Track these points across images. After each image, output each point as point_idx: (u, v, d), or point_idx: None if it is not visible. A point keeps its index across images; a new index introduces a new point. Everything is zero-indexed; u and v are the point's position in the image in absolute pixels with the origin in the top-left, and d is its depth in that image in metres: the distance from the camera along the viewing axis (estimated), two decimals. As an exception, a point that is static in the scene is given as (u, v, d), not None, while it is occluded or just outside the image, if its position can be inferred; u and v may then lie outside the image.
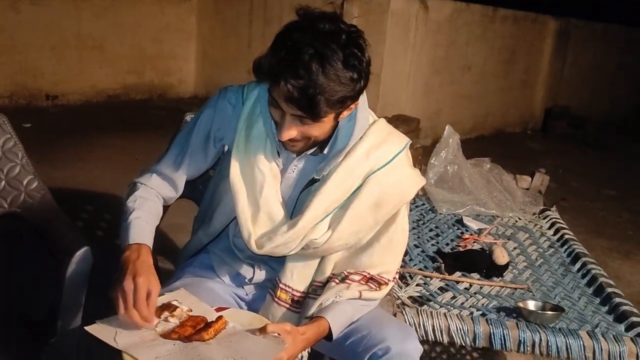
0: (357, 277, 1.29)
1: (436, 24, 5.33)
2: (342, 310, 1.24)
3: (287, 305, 1.32)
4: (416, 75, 5.32)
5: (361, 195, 1.26)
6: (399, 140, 1.32)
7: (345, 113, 1.20)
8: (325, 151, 1.27)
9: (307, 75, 1.06)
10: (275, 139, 1.26)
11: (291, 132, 1.16)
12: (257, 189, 1.25)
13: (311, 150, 1.27)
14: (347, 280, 1.28)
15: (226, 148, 1.34)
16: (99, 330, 1.10)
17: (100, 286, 1.51)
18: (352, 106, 1.20)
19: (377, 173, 1.27)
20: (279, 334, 1.12)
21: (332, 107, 1.12)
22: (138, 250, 1.18)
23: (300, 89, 1.06)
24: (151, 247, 1.22)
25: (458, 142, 2.51)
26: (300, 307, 1.32)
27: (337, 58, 1.07)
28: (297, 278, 1.32)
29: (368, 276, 1.30)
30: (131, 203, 1.28)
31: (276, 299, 1.32)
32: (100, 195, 3.45)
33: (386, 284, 1.32)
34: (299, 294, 1.32)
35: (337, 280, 1.29)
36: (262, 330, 1.12)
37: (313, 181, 1.28)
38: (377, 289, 1.30)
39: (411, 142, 1.35)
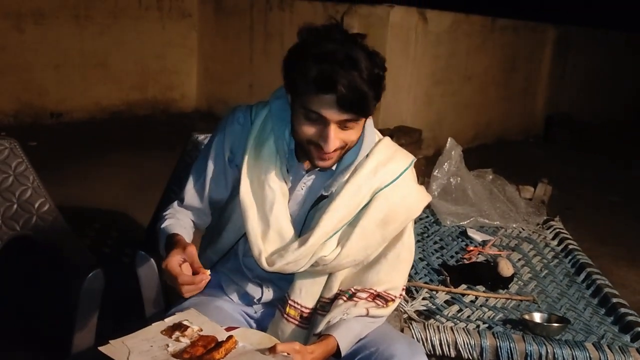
0: (364, 295, 1.31)
1: (436, 36, 5.37)
2: (350, 328, 1.26)
3: (296, 322, 1.33)
4: (417, 87, 5.36)
5: (369, 212, 1.29)
6: (405, 158, 1.35)
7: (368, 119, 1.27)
8: (334, 167, 1.30)
9: (351, 76, 1.12)
10: (285, 156, 1.29)
11: (337, 142, 1.19)
12: (268, 206, 1.28)
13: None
14: (355, 298, 1.30)
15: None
16: (113, 350, 1.12)
17: (110, 305, 1.54)
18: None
19: (384, 190, 1.29)
20: (288, 354, 1.13)
21: (375, 99, 1.18)
22: (166, 243, 1.27)
23: (353, 89, 1.12)
24: (179, 232, 1.30)
25: (460, 154, 2.53)
26: (308, 323, 1.33)
27: (363, 57, 1.14)
28: (305, 295, 1.33)
29: (375, 293, 1.32)
30: (160, 223, 1.36)
31: (285, 315, 1.33)
32: (107, 212, 3.48)
33: (393, 300, 1.33)
34: (307, 311, 1.33)
35: (344, 298, 1.30)
36: (272, 349, 1.13)
37: (321, 198, 1.30)
38: (384, 305, 1.31)
39: (416, 159, 1.37)
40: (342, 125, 1.18)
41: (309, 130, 1.19)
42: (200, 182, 1.38)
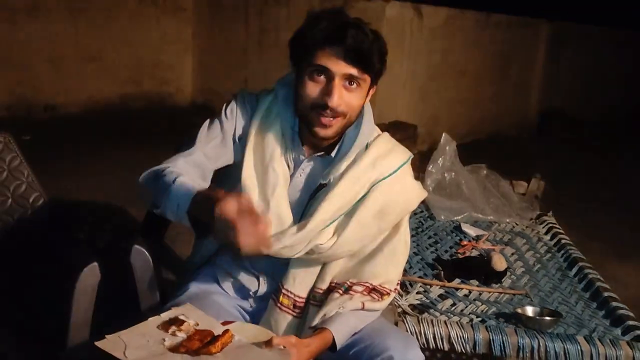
0: (360, 288, 1.33)
1: (431, 31, 5.38)
2: (345, 322, 1.28)
3: (289, 311, 1.35)
4: (412, 82, 5.37)
5: (366, 203, 1.31)
6: (403, 153, 1.38)
7: (370, 93, 1.30)
8: (333, 154, 1.32)
9: (359, 34, 1.20)
10: (290, 139, 1.31)
11: (340, 99, 1.22)
12: (270, 189, 1.29)
13: (320, 153, 1.32)
14: (351, 291, 1.32)
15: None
16: (109, 345, 1.12)
17: (106, 299, 1.54)
18: (371, 92, 1.30)
19: (382, 182, 1.32)
20: (284, 347, 1.15)
21: (378, 62, 1.24)
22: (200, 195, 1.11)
23: (360, 43, 1.19)
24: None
25: (455, 149, 2.55)
26: (301, 312, 1.35)
27: (369, 30, 1.23)
28: (299, 284, 1.35)
29: (371, 287, 1.34)
30: (166, 176, 1.18)
31: (279, 304, 1.35)
32: (102, 206, 3.45)
33: (388, 294, 1.35)
34: (300, 300, 1.35)
35: (340, 291, 1.32)
36: (268, 343, 1.15)
37: (320, 187, 1.32)
38: (380, 299, 1.33)
39: (413, 156, 1.39)
40: (346, 82, 1.22)
41: (314, 90, 1.23)
42: (206, 144, 1.29)
